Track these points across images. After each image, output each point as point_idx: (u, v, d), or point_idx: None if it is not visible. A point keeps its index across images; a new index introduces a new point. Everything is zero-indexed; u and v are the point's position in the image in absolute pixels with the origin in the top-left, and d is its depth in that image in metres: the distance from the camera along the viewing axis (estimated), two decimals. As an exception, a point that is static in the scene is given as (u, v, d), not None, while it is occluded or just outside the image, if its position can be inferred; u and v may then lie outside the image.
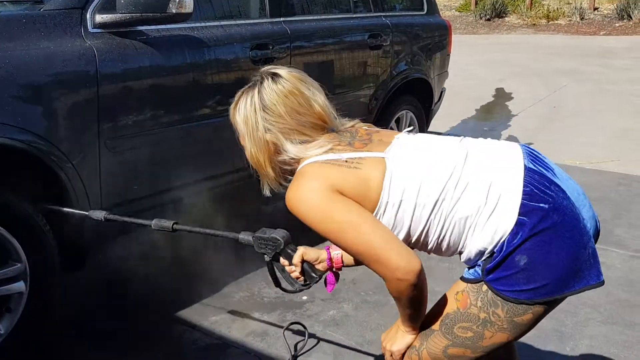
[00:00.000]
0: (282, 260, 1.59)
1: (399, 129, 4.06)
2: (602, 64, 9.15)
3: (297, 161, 1.44)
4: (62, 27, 2.07)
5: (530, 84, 8.01)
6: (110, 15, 2.16)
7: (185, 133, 2.47)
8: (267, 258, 1.59)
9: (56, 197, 2.10)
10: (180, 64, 2.41)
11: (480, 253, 1.35)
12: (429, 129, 5.32)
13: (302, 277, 1.59)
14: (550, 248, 1.29)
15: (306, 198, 1.33)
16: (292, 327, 2.37)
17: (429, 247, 1.42)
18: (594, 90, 7.53)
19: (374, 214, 1.36)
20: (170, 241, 2.43)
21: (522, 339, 2.31)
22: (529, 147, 1.46)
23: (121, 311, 2.52)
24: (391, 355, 1.49)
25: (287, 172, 1.49)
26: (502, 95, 7.56)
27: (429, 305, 1.43)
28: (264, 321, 2.46)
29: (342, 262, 1.61)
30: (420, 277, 1.31)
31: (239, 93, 1.49)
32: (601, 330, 2.45)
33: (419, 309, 1.39)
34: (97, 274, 2.75)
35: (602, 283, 1.36)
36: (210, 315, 2.49)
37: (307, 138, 1.43)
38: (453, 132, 6.04)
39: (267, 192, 1.51)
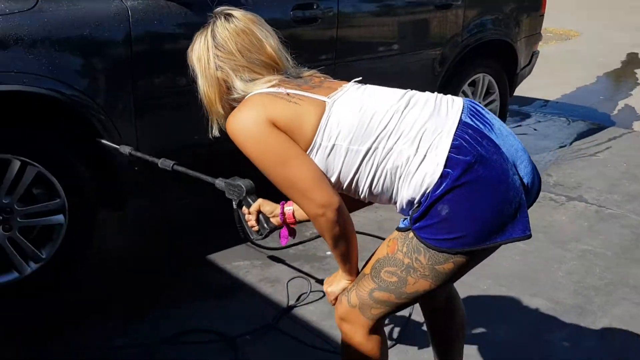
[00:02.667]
0: (244, 209, 1.68)
1: (475, 94, 3.90)
2: None
3: (245, 97, 1.47)
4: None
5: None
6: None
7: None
8: (234, 205, 1.69)
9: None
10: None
11: (410, 203, 1.38)
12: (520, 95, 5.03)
13: (257, 227, 1.67)
14: (471, 200, 1.30)
15: (242, 126, 1.38)
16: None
17: (362, 195, 1.45)
18: None
19: (307, 153, 1.40)
20: (206, 191, 2.61)
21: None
22: (473, 102, 1.44)
23: (155, 252, 2.78)
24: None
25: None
26: (633, 62, 6.84)
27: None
28: (280, 270, 2.58)
29: (294, 217, 1.65)
30: (340, 213, 1.36)
31: (196, 35, 1.53)
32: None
33: (345, 248, 1.43)
34: (135, 218, 3.05)
35: (528, 236, 1.34)
36: (234, 261, 2.66)
37: (257, 76, 1.46)
38: (562, 100, 5.62)
39: (216, 132, 1.56)
